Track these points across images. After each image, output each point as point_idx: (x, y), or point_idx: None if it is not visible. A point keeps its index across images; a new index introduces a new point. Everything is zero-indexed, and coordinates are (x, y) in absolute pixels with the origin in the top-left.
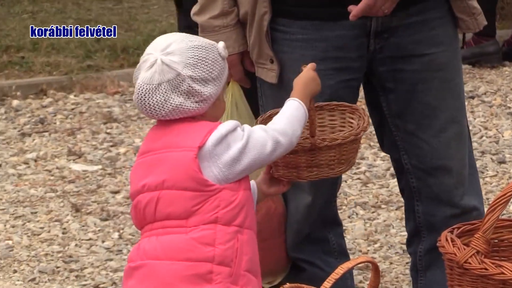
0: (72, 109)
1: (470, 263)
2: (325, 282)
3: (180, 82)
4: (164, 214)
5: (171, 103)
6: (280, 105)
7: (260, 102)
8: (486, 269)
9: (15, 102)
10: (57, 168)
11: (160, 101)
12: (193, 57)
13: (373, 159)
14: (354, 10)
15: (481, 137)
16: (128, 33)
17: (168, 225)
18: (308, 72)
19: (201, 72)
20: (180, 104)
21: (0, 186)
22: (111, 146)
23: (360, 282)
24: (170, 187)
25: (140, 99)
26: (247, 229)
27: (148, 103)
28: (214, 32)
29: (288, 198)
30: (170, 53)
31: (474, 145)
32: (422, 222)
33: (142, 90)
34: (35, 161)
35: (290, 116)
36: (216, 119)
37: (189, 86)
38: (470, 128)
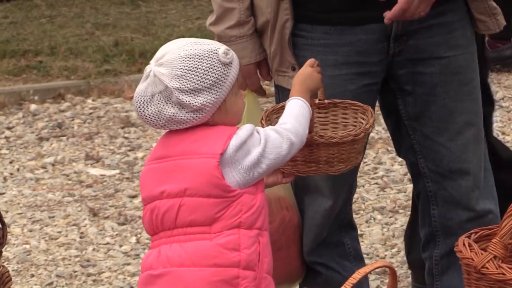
0: (90, 113)
1: (487, 268)
2: (342, 287)
3: (170, 94)
4: (187, 221)
5: (165, 114)
6: None
7: None
8: (503, 274)
9: (33, 107)
10: (74, 172)
11: (155, 112)
12: (181, 69)
13: (391, 164)
14: (388, 14)
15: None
16: (145, 37)
17: (191, 232)
18: (305, 69)
19: (189, 83)
20: (174, 115)
21: (18, 190)
22: (129, 150)
23: (378, 287)
24: (192, 195)
25: (138, 110)
26: (266, 231)
27: (145, 114)
28: (230, 42)
29: (307, 202)
30: (161, 65)
31: None
32: (438, 226)
33: (138, 101)
34: (53, 165)
35: (298, 115)
36: (233, 123)
37: (177, 98)
38: None
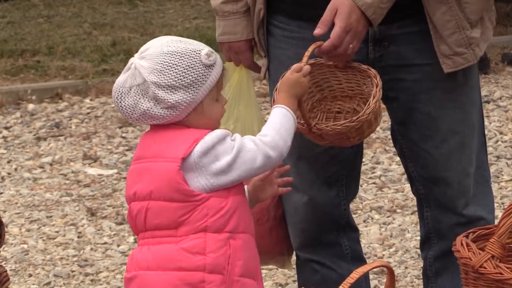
0: (88, 113)
1: (485, 267)
2: (340, 287)
3: (147, 87)
4: (154, 225)
5: (140, 108)
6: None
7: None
8: (501, 273)
9: (30, 106)
10: (72, 172)
11: (131, 104)
12: (161, 63)
13: (389, 163)
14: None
15: (497, 141)
16: (143, 37)
17: (158, 235)
18: (291, 74)
19: (167, 79)
20: (148, 109)
21: (16, 190)
22: (127, 150)
23: (375, 286)
24: (157, 198)
25: (115, 101)
26: (241, 233)
27: (121, 106)
28: (224, 17)
29: (283, 199)
30: (143, 58)
31: (489, 149)
32: (431, 228)
33: (116, 92)
34: (51, 165)
35: (280, 126)
36: (209, 127)
37: (154, 92)
38: (485, 132)
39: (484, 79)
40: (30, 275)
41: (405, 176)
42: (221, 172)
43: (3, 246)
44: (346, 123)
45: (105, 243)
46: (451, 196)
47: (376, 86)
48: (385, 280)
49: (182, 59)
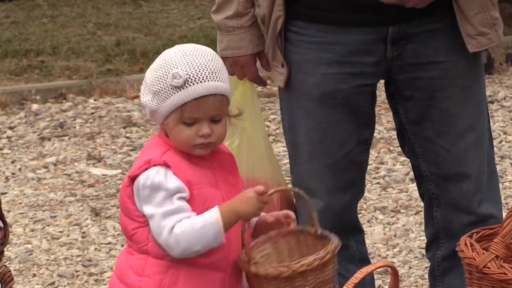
0: (92, 113)
1: (489, 267)
2: (344, 287)
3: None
4: (124, 232)
5: (142, 99)
6: (292, 108)
7: (280, 105)
8: (505, 273)
9: (34, 106)
10: (76, 172)
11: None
12: (154, 63)
13: (393, 163)
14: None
15: (500, 141)
16: (147, 37)
17: (128, 243)
18: (249, 192)
19: (147, 77)
20: (142, 102)
21: (20, 190)
22: (131, 150)
23: (379, 286)
24: (120, 207)
25: None
26: (190, 266)
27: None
28: (228, 32)
29: (300, 204)
30: None
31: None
32: (440, 228)
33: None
34: (55, 165)
35: (197, 231)
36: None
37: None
38: None
39: (488, 79)
40: (34, 275)
41: (409, 176)
42: (147, 215)
43: (7, 246)
44: (279, 266)
45: (109, 243)
46: (466, 193)
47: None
48: (389, 280)
49: (159, 67)
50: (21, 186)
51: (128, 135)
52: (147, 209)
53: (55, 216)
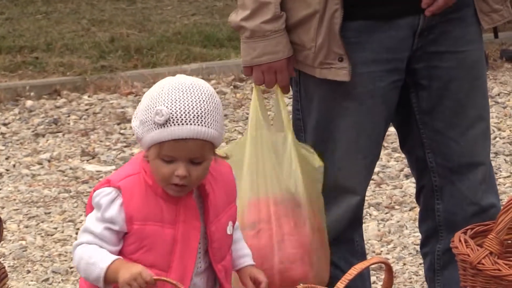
0: (86, 109)
1: (483, 264)
2: (339, 283)
3: None
4: None
5: None
6: (325, 106)
7: (298, 106)
8: (499, 270)
9: (28, 103)
10: (70, 168)
11: None
12: (151, 89)
13: (387, 160)
14: (431, 7)
15: (495, 138)
16: (141, 33)
17: None
18: (138, 267)
19: (141, 103)
20: (133, 126)
21: (14, 187)
22: (125, 146)
23: (374, 282)
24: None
25: None
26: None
27: None
28: (265, 37)
29: (338, 200)
30: None
31: None
32: (442, 221)
33: None
34: (49, 161)
35: (88, 263)
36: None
37: None
38: None
39: None
40: (29, 272)
41: (404, 172)
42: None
43: (1, 242)
44: None
45: None
46: (474, 182)
47: None
48: (383, 277)
49: (150, 98)
50: (16, 183)
51: (122, 131)
52: (87, 219)
53: (49, 213)
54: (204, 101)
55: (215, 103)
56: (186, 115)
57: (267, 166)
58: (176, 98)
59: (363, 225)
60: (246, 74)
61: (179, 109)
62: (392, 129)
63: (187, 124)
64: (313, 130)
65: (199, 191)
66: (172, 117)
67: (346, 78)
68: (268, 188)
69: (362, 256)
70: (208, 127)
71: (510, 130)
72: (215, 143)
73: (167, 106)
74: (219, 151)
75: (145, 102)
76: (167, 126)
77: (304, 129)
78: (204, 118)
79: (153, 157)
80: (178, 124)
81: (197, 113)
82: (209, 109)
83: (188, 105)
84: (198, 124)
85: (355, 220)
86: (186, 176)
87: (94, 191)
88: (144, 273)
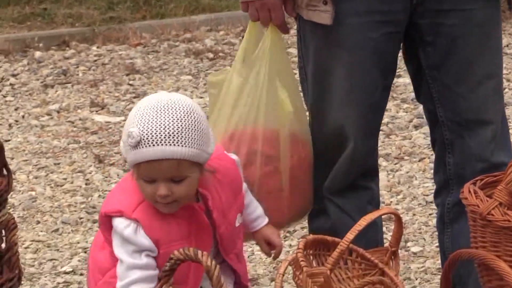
0: (95, 60)
1: (493, 214)
2: (348, 233)
3: None
4: None
5: None
6: (320, 55)
7: (300, 53)
8: (509, 220)
9: (37, 54)
10: (80, 119)
11: None
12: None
13: (396, 110)
14: None
15: (504, 89)
16: None
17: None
18: None
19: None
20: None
21: (23, 137)
22: (134, 97)
23: (383, 233)
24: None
25: None
26: None
27: None
28: None
29: (339, 149)
30: None
31: None
32: (452, 174)
33: None
34: (58, 112)
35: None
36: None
37: None
38: None
39: None
40: (38, 222)
41: (413, 123)
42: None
43: (11, 193)
44: None
45: None
46: (482, 140)
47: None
48: (393, 227)
49: (128, 119)
50: (25, 133)
51: (131, 82)
52: (118, 252)
53: (58, 163)
54: (178, 119)
55: (192, 119)
56: (157, 136)
57: (243, 100)
58: (149, 118)
59: None
60: (243, 9)
61: (150, 130)
62: (401, 80)
63: (158, 145)
64: (312, 79)
65: (203, 199)
66: (143, 139)
67: (328, 22)
68: (246, 120)
69: (378, 204)
70: (182, 146)
71: None
72: (195, 160)
73: (139, 128)
74: (211, 89)
75: (126, 123)
76: (139, 148)
77: (306, 78)
78: (177, 137)
79: (136, 177)
80: (149, 146)
81: (168, 133)
82: (183, 127)
83: (159, 125)
84: (170, 144)
85: (367, 169)
86: (169, 195)
87: (105, 214)
88: None
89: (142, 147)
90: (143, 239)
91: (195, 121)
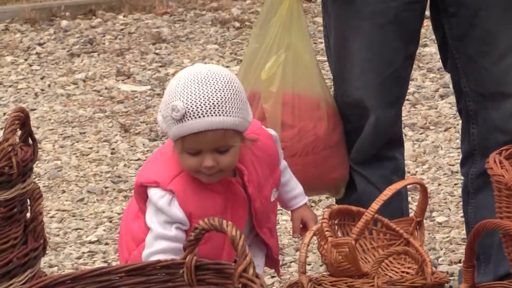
0: (121, 29)
1: None
2: (374, 203)
3: None
4: None
5: None
6: (340, 25)
7: (324, 22)
8: None
9: (64, 23)
10: (105, 88)
11: None
12: (170, 82)
13: (422, 80)
14: None
15: None
16: None
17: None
18: None
19: (163, 97)
20: (158, 120)
21: (49, 106)
22: (160, 66)
23: (409, 203)
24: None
25: None
26: None
27: None
28: None
29: (360, 118)
30: None
31: None
32: (476, 145)
33: None
34: (84, 81)
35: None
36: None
37: None
38: None
39: None
40: (64, 191)
41: (439, 93)
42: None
43: (37, 162)
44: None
45: (138, 159)
46: (506, 111)
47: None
48: (418, 197)
49: (168, 92)
50: (51, 103)
51: (157, 51)
52: (149, 221)
53: (84, 133)
54: (220, 89)
55: (233, 89)
56: (202, 107)
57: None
58: (191, 91)
59: None
60: None
61: (195, 102)
62: (427, 49)
63: (204, 116)
64: (334, 48)
65: (239, 174)
66: (188, 112)
67: None
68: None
69: (403, 175)
70: (227, 115)
71: None
72: (238, 129)
73: (182, 101)
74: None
75: (165, 97)
76: (185, 121)
77: (329, 46)
78: (221, 107)
79: (179, 151)
80: (195, 118)
81: (213, 103)
82: (226, 97)
83: (203, 96)
84: (216, 115)
85: (391, 139)
86: (214, 166)
87: (141, 184)
88: None
89: (188, 119)
90: (177, 211)
91: (236, 90)
